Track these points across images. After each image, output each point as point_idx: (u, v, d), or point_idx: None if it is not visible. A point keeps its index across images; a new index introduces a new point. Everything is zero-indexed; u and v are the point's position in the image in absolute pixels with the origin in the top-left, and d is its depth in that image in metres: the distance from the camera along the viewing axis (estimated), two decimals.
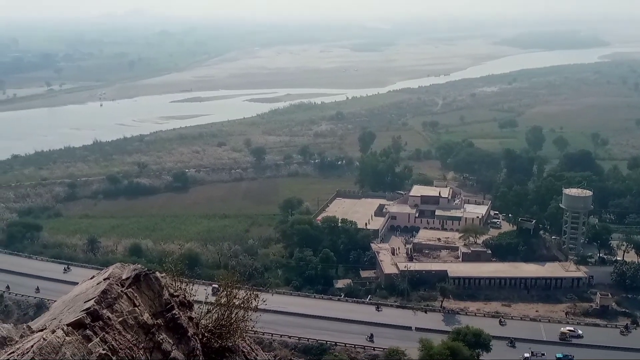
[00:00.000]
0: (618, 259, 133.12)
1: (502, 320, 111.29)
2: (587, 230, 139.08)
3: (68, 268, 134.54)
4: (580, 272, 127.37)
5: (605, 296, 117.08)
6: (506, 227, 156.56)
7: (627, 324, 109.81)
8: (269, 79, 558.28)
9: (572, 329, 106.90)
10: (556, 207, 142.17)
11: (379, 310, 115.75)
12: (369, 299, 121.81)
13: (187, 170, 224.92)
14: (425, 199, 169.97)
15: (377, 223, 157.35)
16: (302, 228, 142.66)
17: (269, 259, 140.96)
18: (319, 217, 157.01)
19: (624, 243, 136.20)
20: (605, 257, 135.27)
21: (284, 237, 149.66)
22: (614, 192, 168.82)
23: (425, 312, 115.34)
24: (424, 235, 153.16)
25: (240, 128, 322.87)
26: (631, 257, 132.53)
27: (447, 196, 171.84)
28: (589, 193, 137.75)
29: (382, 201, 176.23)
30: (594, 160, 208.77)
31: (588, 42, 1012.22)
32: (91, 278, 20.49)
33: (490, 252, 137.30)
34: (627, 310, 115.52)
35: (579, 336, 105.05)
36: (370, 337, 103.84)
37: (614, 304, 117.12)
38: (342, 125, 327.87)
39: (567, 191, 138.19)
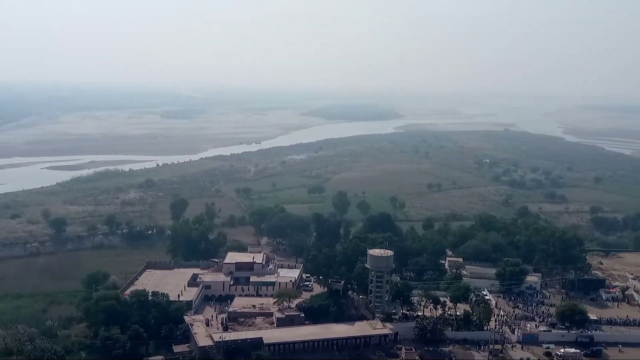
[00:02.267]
0: (419, 314, 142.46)
1: None
2: (390, 288, 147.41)
3: None
4: (386, 329, 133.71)
5: (409, 351, 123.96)
6: (318, 289, 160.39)
7: None
8: (72, 146, 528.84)
9: None
10: (362, 267, 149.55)
11: None
12: None
13: None
14: (239, 266, 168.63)
15: (191, 294, 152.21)
16: (108, 304, 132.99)
17: (71, 341, 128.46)
18: (127, 292, 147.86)
19: (423, 299, 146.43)
20: (407, 313, 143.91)
21: (87, 315, 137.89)
22: (412, 251, 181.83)
23: None
24: (239, 303, 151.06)
25: (37, 198, 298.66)
26: (430, 311, 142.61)
27: (261, 262, 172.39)
28: (390, 253, 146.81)
29: (196, 270, 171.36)
30: (394, 222, 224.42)
31: (385, 114, 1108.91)
32: None
33: (303, 315, 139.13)
34: None
35: None
36: None
37: (417, 357, 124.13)
38: (153, 192, 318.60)
39: (371, 252, 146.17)
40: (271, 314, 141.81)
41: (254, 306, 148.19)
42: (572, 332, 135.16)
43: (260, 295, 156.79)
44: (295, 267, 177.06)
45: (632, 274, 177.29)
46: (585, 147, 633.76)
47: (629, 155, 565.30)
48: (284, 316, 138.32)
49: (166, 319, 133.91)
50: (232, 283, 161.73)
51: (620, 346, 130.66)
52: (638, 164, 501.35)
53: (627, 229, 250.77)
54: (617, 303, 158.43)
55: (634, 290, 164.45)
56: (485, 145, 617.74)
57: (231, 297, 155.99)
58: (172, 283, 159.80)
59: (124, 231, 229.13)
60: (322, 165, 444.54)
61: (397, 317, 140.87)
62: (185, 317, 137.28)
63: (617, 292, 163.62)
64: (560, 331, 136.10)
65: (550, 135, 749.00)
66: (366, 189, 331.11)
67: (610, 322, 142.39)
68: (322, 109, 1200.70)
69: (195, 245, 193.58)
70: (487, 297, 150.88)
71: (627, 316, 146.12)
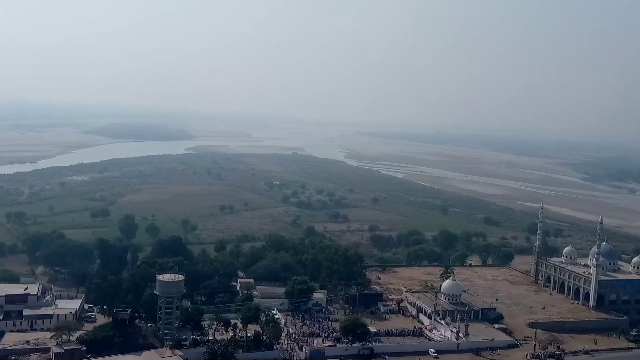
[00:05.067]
0: (210, 338, 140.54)
1: None
2: (180, 313, 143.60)
3: None
4: (175, 356, 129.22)
5: None
6: (102, 319, 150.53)
7: None
8: None
9: None
10: (151, 294, 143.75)
11: None
12: None
13: None
14: (10, 299, 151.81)
15: None
16: None
17: None
18: None
19: (214, 322, 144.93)
20: (198, 338, 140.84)
21: None
22: (204, 274, 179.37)
23: None
24: (11, 339, 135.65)
25: None
26: (221, 334, 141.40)
27: (36, 293, 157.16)
28: (181, 277, 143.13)
29: None
30: (185, 245, 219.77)
31: (175, 135, 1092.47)
32: None
33: (85, 348, 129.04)
34: None
35: None
36: None
37: None
38: None
39: (161, 277, 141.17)
40: (48, 349, 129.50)
41: (27, 342, 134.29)
42: (354, 345, 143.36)
43: (35, 330, 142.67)
44: (77, 298, 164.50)
45: (405, 287, 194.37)
46: (363, 170, 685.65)
47: (401, 178, 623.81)
48: (62, 351, 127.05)
49: None
50: (1, 318, 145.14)
51: (387, 356, 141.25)
52: (408, 186, 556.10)
53: (401, 245, 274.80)
54: (393, 315, 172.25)
55: (408, 302, 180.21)
56: (275, 167, 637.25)
57: (1, 334, 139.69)
58: None
59: None
60: (107, 187, 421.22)
61: (187, 343, 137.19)
62: None
63: (393, 305, 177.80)
64: (344, 345, 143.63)
65: (334, 159, 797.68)
66: (156, 211, 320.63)
67: (388, 334, 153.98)
68: (107, 127, 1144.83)
69: None
70: (276, 316, 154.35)
71: (407, 328, 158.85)
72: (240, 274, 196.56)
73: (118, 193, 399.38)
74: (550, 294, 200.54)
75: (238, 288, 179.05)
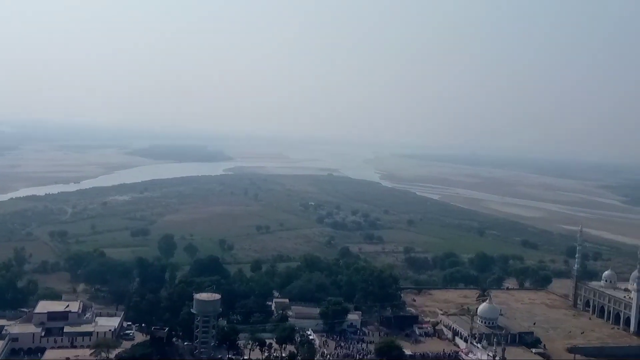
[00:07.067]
0: (245, 357, 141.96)
1: None
2: (216, 332, 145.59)
3: None
4: None
5: None
6: (140, 337, 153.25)
7: None
8: None
9: None
10: (188, 313, 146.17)
11: None
12: None
13: None
14: (52, 316, 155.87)
15: None
16: None
17: None
18: None
19: (250, 342, 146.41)
20: (234, 357, 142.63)
21: None
22: (240, 293, 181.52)
23: None
24: (52, 356, 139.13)
25: None
26: (257, 354, 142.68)
27: (77, 310, 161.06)
28: (217, 296, 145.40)
29: (1, 322, 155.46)
30: (222, 264, 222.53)
31: (214, 156, 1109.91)
32: None
33: None
34: None
35: None
36: None
37: None
38: None
39: (198, 296, 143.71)
40: None
41: (68, 359, 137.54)
42: None
43: (75, 347, 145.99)
44: (116, 315, 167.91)
45: (441, 310, 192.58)
46: (399, 191, 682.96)
47: (436, 200, 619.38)
48: None
49: None
50: (43, 334, 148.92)
51: None
52: (444, 207, 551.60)
53: (436, 267, 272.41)
54: (429, 338, 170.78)
55: (443, 325, 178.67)
56: (311, 188, 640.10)
57: (42, 350, 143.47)
58: None
59: None
60: (148, 207, 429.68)
61: None
62: None
63: (429, 328, 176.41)
64: None
65: (369, 181, 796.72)
66: (194, 231, 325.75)
67: (424, 357, 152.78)
68: (149, 149, 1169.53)
69: (1, 294, 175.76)
70: (311, 337, 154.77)
71: (443, 350, 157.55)
72: (276, 293, 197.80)
73: (158, 213, 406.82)
74: (590, 318, 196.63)
75: (273, 308, 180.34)
